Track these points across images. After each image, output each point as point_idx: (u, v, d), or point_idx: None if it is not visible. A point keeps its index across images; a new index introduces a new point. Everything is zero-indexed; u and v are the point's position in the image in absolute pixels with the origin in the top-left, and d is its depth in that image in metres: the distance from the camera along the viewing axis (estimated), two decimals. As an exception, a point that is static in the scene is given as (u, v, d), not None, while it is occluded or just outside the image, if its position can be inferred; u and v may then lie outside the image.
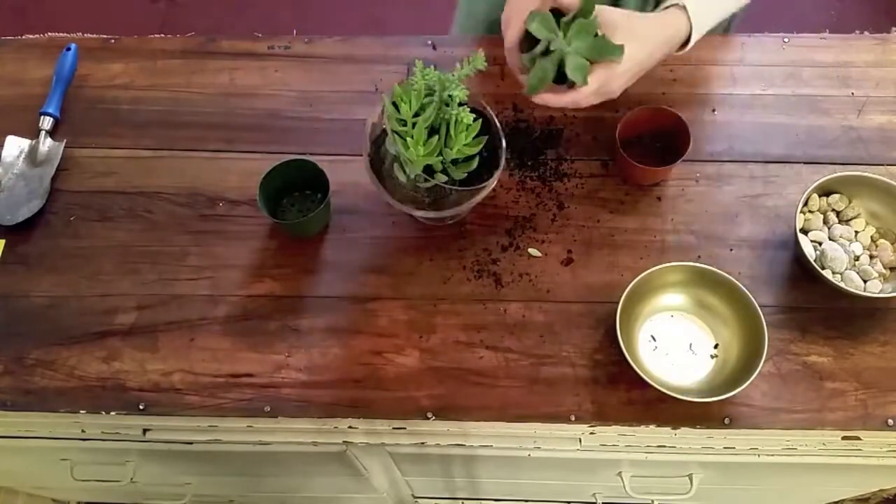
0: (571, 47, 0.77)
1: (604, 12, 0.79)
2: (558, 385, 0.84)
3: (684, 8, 0.79)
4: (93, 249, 0.94)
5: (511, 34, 0.81)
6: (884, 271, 0.87)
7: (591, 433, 0.88)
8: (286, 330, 0.88)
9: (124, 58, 1.10)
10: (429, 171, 0.80)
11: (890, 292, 0.84)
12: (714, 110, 1.01)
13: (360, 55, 1.08)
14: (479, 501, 1.49)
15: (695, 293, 0.87)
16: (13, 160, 1.00)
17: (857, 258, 0.88)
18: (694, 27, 0.79)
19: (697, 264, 0.84)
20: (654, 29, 0.80)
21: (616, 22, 0.78)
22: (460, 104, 0.77)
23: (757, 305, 0.81)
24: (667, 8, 0.82)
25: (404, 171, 0.81)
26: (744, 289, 0.82)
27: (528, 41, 0.81)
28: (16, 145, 1.01)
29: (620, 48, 0.77)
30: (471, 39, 1.11)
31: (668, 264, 0.84)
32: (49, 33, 1.16)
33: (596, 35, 0.77)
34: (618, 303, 0.82)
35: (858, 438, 0.85)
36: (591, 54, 0.78)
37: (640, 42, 0.79)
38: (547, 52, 0.79)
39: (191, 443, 0.96)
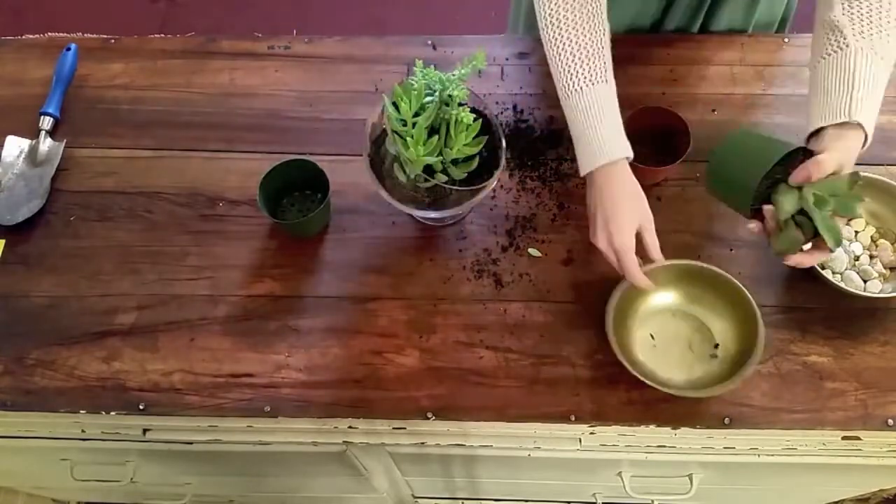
0: (822, 213, 0.71)
1: (840, 154, 0.75)
2: (558, 385, 0.84)
3: (859, 124, 0.76)
4: (93, 249, 0.94)
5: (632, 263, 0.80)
6: (884, 271, 0.87)
7: (591, 433, 0.88)
8: (286, 330, 0.88)
9: (124, 58, 1.10)
10: (429, 171, 0.80)
11: (890, 292, 0.84)
12: (714, 110, 1.01)
13: (360, 55, 1.08)
14: (479, 501, 1.49)
15: (693, 291, 0.87)
16: (13, 160, 1.00)
17: (857, 258, 0.88)
18: (868, 133, 0.77)
19: (696, 262, 0.85)
20: (855, 152, 0.77)
21: (847, 163, 0.75)
22: (460, 104, 0.77)
23: (754, 303, 0.81)
24: (842, 125, 0.76)
25: (404, 171, 0.81)
26: (741, 286, 0.82)
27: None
28: (16, 145, 1.01)
29: (857, 209, 0.73)
30: (471, 40, 1.11)
31: (667, 262, 0.84)
32: (49, 33, 1.17)
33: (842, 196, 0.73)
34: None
35: (858, 438, 0.85)
36: (839, 208, 0.73)
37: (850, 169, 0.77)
38: (793, 217, 0.73)
39: (191, 443, 0.96)
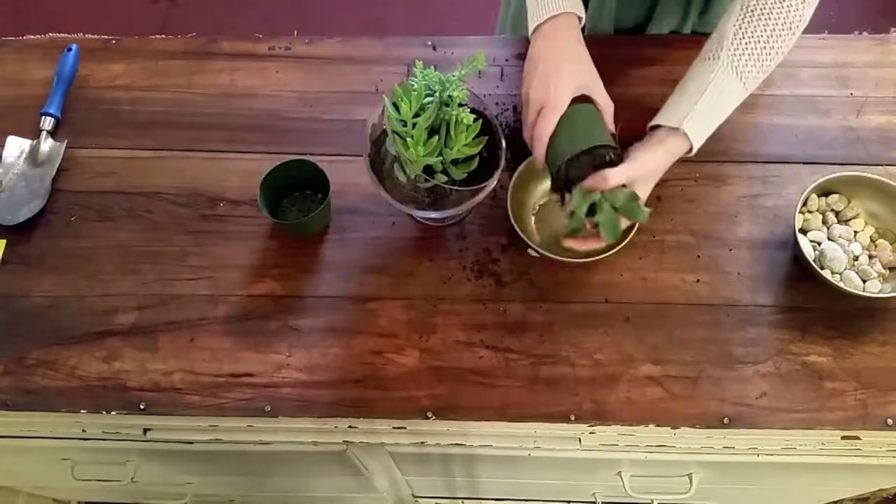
0: (605, 214, 0.79)
1: (633, 170, 0.79)
2: (558, 385, 0.84)
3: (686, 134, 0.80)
4: (93, 249, 0.94)
5: (547, 126, 0.81)
6: (883, 271, 0.87)
7: (591, 433, 0.88)
8: (286, 330, 0.88)
9: (125, 58, 1.10)
10: (429, 171, 0.80)
11: (889, 292, 0.84)
12: (714, 110, 1.02)
13: (360, 56, 1.09)
14: (479, 501, 1.49)
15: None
16: (14, 160, 1.00)
17: (856, 258, 0.88)
18: (694, 145, 0.81)
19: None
20: (663, 161, 0.81)
21: (639, 177, 0.80)
22: (460, 104, 0.77)
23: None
24: (667, 128, 0.81)
25: (404, 172, 0.82)
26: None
27: (562, 178, 0.81)
28: (17, 145, 1.01)
29: (646, 214, 0.79)
30: (471, 40, 1.11)
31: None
32: (50, 34, 1.17)
33: (627, 195, 0.79)
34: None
35: (858, 438, 0.85)
36: (622, 214, 0.80)
37: (653, 179, 0.81)
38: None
39: (191, 442, 0.96)
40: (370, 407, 0.84)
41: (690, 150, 0.81)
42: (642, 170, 0.79)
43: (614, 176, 0.77)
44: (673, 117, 0.81)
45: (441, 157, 0.79)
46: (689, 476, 1.07)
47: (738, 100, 0.82)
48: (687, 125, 0.79)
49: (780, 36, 0.80)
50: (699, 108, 0.80)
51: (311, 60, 1.09)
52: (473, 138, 0.79)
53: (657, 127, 0.82)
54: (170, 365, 0.86)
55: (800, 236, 0.86)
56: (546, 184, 0.95)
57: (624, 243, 0.85)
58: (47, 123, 1.02)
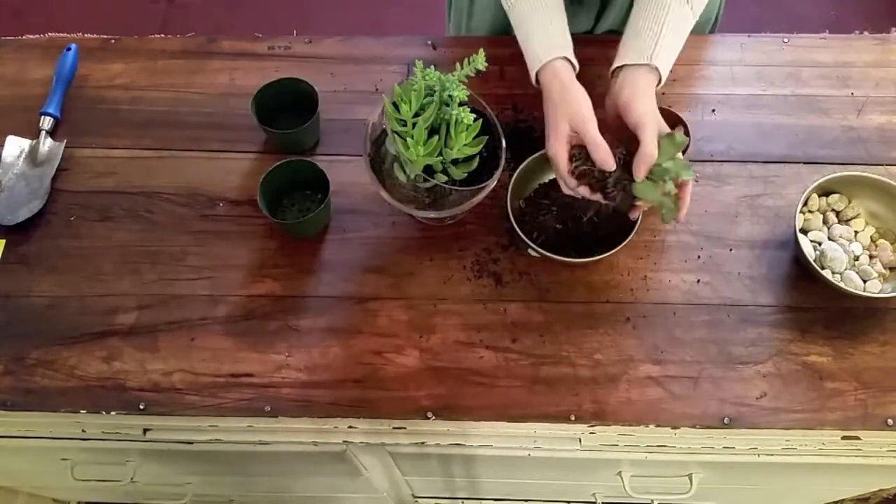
0: (664, 172, 0.80)
1: (654, 124, 0.80)
2: (558, 385, 0.84)
3: (653, 67, 0.82)
4: (93, 249, 0.94)
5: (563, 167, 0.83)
6: (883, 271, 0.87)
7: (591, 433, 0.88)
8: (286, 330, 0.88)
9: (124, 58, 1.10)
10: (429, 171, 0.80)
11: (889, 292, 0.84)
12: (714, 110, 1.02)
13: (360, 55, 1.09)
14: (479, 501, 1.49)
15: None
16: (13, 160, 1.00)
17: (856, 258, 0.88)
18: (663, 77, 0.83)
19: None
20: (652, 96, 0.82)
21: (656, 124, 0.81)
22: (460, 104, 0.77)
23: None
24: (635, 67, 0.82)
25: (404, 171, 0.81)
26: None
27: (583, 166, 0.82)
28: (16, 145, 1.01)
29: (689, 167, 0.81)
30: (471, 40, 1.11)
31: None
32: (49, 33, 1.16)
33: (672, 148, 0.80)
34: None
35: (858, 438, 0.85)
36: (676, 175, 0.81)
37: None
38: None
39: (191, 442, 0.96)
40: (370, 407, 0.84)
41: (660, 81, 0.83)
42: (656, 116, 0.80)
43: (651, 147, 0.78)
44: (639, 55, 0.82)
45: (441, 157, 0.79)
46: (690, 476, 1.07)
47: (691, 26, 0.85)
48: (657, 60, 0.81)
49: None
50: (663, 42, 0.82)
51: (310, 60, 1.08)
52: (473, 138, 0.79)
53: (620, 69, 0.83)
54: (170, 365, 0.86)
55: (800, 236, 0.86)
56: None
57: (624, 243, 0.85)
58: (46, 123, 1.01)
